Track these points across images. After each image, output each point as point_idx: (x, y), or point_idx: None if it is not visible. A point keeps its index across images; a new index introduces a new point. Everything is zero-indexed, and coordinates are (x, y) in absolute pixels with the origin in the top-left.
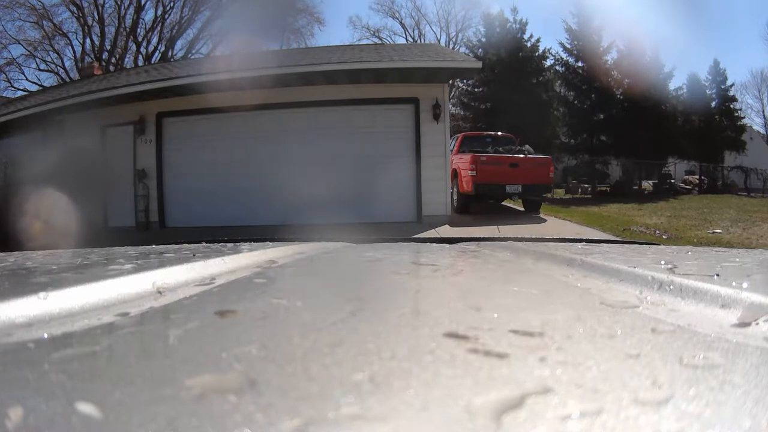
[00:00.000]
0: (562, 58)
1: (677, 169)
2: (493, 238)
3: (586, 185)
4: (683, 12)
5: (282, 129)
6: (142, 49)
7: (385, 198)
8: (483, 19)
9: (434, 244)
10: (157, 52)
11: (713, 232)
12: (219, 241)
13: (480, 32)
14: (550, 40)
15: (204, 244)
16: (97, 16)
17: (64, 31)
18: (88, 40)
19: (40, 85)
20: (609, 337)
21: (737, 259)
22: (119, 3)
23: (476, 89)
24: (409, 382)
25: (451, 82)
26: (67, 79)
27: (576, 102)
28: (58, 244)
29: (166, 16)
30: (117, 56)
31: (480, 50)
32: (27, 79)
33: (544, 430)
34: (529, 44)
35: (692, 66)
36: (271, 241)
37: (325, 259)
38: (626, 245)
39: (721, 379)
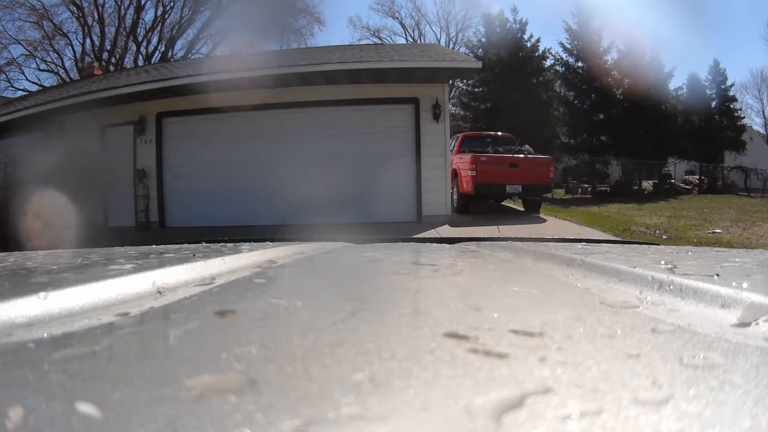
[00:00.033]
0: (562, 58)
1: (677, 169)
2: (493, 238)
3: (586, 185)
4: (683, 12)
5: (282, 129)
6: (142, 49)
7: (385, 198)
8: (483, 19)
9: (434, 244)
10: (157, 52)
11: (713, 232)
12: (219, 241)
13: (480, 32)
14: (550, 40)
15: (204, 244)
16: (97, 16)
17: (64, 31)
18: (88, 40)
19: (40, 85)
20: (609, 337)
21: (737, 259)
22: (119, 3)
23: (476, 89)
24: (409, 382)
25: (451, 82)
26: (67, 79)
27: (576, 102)
28: (58, 244)
29: (166, 16)
30: (117, 56)
31: (480, 50)
32: (27, 79)
33: (544, 430)
34: (529, 44)
35: (692, 66)
36: (271, 241)
37: (325, 259)
38: (626, 245)
39: (721, 379)
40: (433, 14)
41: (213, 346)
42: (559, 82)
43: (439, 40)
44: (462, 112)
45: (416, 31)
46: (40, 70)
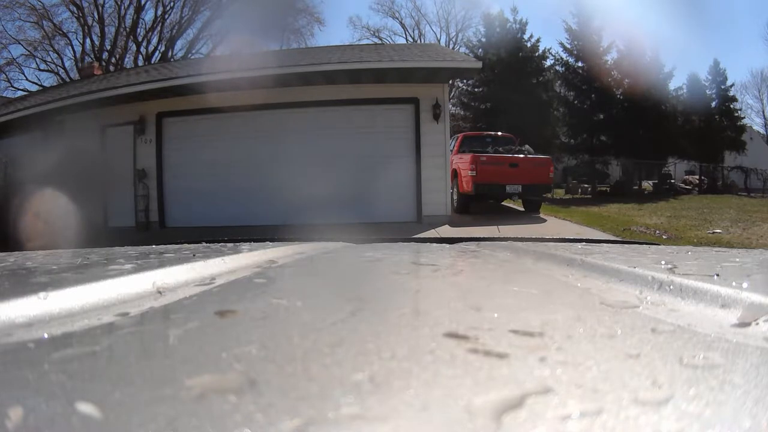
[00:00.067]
0: (562, 58)
1: (677, 169)
2: (493, 238)
3: (586, 185)
4: (683, 12)
5: (282, 129)
6: (142, 49)
7: (385, 198)
8: (483, 19)
9: (434, 244)
10: (157, 52)
11: (713, 232)
12: (219, 241)
13: (480, 32)
14: (550, 40)
15: (204, 244)
16: (97, 16)
17: (64, 31)
18: (88, 40)
19: (40, 85)
20: (609, 337)
21: (737, 259)
22: (119, 3)
23: (476, 89)
24: (409, 382)
25: (451, 82)
26: (67, 79)
27: (576, 102)
28: (58, 244)
29: (166, 16)
30: (117, 56)
31: (480, 50)
32: (27, 79)
33: (544, 430)
34: (529, 44)
35: (692, 66)
36: (271, 241)
37: (325, 259)
38: (626, 245)
39: (721, 379)
40: (433, 14)
41: (213, 346)
42: (559, 82)
43: (439, 40)
44: (462, 112)
45: (416, 31)
46: (40, 70)
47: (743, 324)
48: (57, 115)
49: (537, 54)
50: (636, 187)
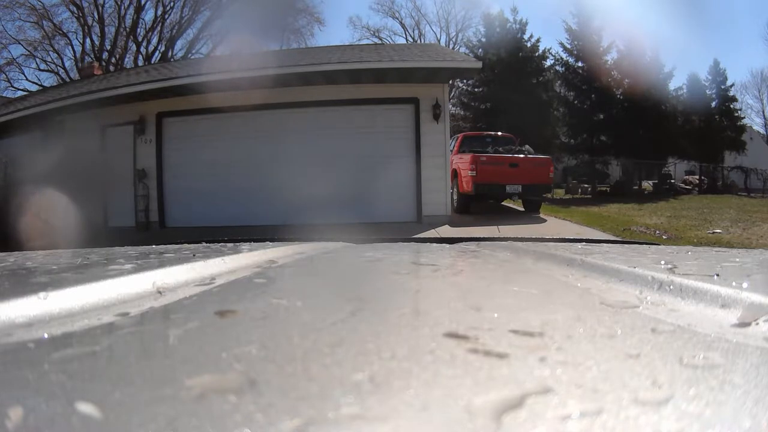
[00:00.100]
0: (562, 58)
1: (677, 169)
2: (493, 238)
3: (586, 185)
4: (683, 12)
5: (282, 129)
6: (142, 49)
7: (385, 198)
8: (483, 19)
9: (434, 244)
10: (157, 52)
11: (713, 232)
12: (219, 241)
13: (480, 32)
14: (550, 40)
15: (204, 244)
16: (97, 16)
17: (64, 31)
18: (88, 40)
19: (40, 85)
20: (609, 337)
21: (737, 259)
22: (119, 3)
23: (476, 89)
24: (409, 382)
25: (451, 82)
26: (67, 79)
27: (576, 102)
28: (58, 244)
29: (166, 16)
30: (117, 56)
31: (480, 50)
32: (27, 79)
33: (544, 430)
34: (529, 44)
35: (692, 66)
36: (271, 241)
37: (325, 259)
38: (626, 245)
39: (721, 379)
40: (433, 14)
41: (213, 346)
42: (559, 82)
43: (439, 40)
44: (462, 112)
45: (416, 31)
46: (40, 70)
47: (743, 324)
48: (57, 115)
49: (537, 54)
50: (636, 187)
